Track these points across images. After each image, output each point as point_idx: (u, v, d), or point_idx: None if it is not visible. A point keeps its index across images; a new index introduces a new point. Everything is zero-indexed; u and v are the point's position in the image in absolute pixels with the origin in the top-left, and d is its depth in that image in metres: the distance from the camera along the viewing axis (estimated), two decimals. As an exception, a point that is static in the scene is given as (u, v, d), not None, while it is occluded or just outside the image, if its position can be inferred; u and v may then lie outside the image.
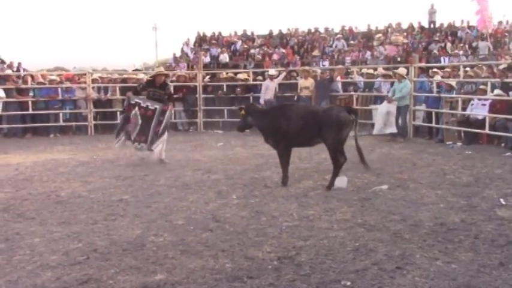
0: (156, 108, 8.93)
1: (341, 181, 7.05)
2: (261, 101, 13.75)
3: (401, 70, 12.15)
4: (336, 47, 23.31)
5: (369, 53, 21.58)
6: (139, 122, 8.98)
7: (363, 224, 5.25)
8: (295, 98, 13.98)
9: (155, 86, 9.15)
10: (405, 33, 23.40)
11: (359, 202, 6.17)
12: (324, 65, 19.58)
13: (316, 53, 22.38)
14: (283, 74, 14.71)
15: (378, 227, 5.16)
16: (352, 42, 23.16)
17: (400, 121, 11.84)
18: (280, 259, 4.32)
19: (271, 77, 14.18)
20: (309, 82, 13.74)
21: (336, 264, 4.18)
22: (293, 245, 4.67)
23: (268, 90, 13.97)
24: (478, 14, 18.94)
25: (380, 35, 23.27)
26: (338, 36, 24.09)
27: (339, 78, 14.21)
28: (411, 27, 24.02)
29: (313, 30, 25.65)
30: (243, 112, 7.63)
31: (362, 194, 6.59)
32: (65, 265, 4.26)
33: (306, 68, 15.36)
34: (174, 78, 15.80)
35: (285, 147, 7.29)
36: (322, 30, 25.53)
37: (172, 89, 11.22)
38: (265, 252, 4.48)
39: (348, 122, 6.96)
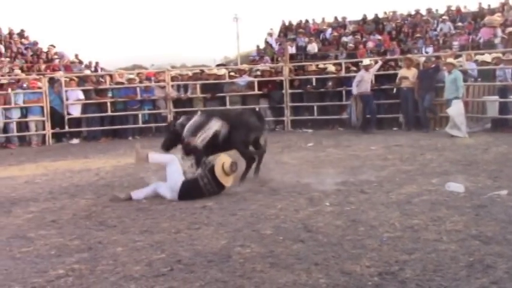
0: None
1: (456, 186, 6.85)
2: (354, 92, 13.56)
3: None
4: (441, 30, 22.55)
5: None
6: None
7: (478, 236, 5.05)
8: (394, 90, 13.68)
9: None
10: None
11: (473, 210, 5.93)
12: (427, 52, 19.01)
13: (418, 35, 21.81)
14: (380, 63, 14.46)
15: (496, 239, 4.93)
16: (460, 24, 22.32)
17: None
18: (381, 275, 4.25)
19: (367, 67, 13.94)
20: (411, 72, 13.38)
21: (446, 282, 4.04)
22: (396, 259, 4.57)
23: (363, 82, 13.73)
24: None
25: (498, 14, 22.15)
26: (443, 18, 23.31)
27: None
28: (536, 1, 22.69)
29: (413, 13, 24.99)
30: None
31: (476, 200, 6.33)
32: (149, 277, 4.44)
33: (409, 55, 14.95)
34: (258, 73, 16.04)
35: None
36: (424, 12, 24.85)
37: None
38: (364, 267, 4.43)
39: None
